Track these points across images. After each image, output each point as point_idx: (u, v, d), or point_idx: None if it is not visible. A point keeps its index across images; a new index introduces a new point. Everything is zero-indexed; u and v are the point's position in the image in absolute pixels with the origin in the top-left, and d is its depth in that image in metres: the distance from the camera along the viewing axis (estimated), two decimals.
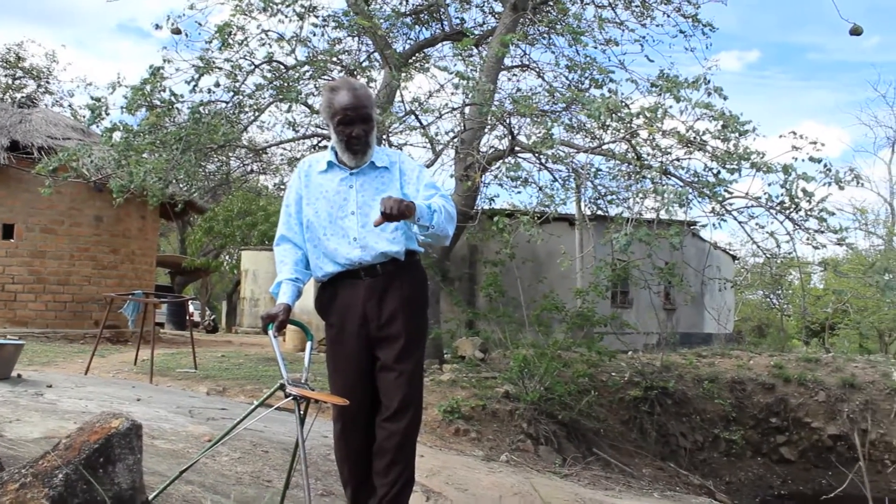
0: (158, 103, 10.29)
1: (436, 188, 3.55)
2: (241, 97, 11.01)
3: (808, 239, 8.74)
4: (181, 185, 13.46)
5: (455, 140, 10.64)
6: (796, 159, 8.11)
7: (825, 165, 8.15)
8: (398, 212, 3.10)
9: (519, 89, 12.02)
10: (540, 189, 10.44)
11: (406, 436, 3.45)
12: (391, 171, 3.58)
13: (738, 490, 11.60)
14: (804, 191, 8.15)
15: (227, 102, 10.98)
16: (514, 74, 12.65)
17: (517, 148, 10.00)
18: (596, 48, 11.56)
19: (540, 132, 9.74)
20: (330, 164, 3.60)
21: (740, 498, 11.13)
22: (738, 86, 72.71)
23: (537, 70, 12.26)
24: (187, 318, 16.70)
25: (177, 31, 10.79)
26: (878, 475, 12.12)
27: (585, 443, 9.56)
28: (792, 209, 8.46)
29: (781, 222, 8.75)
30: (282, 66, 11.22)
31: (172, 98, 10.38)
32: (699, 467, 11.54)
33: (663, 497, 7.97)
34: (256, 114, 11.73)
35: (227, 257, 31.64)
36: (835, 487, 10.87)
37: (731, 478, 11.96)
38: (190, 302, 15.90)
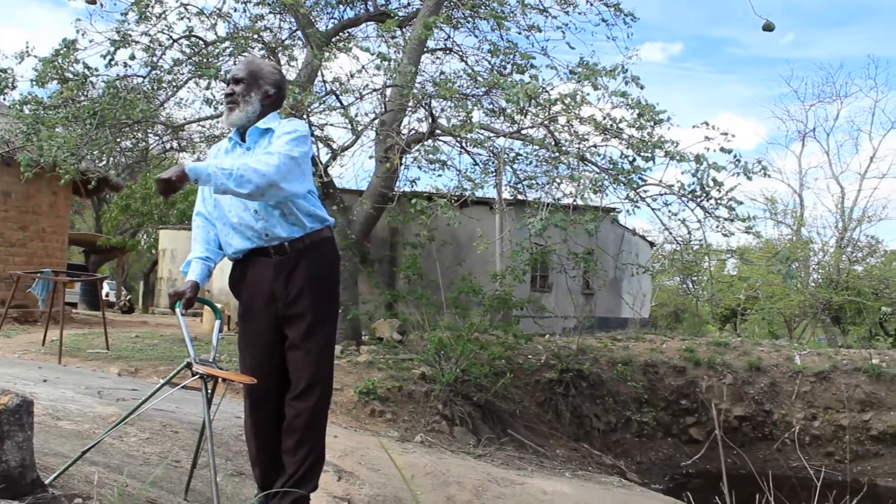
0: (72, 76, 10.00)
1: (288, 141, 3.39)
2: (158, 72, 10.77)
3: (717, 227, 9.06)
4: (95, 162, 13.10)
5: (375, 121, 10.61)
6: (708, 149, 8.39)
7: (735, 156, 8.44)
8: (166, 186, 3.08)
9: (442, 72, 12.04)
10: (459, 172, 10.50)
11: (314, 414, 3.47)
12: (275, 133, 3.51)
13: (648, 469, 11.94)
14: (714, 180, 8.43)
15: (143, 77, 10.73)
16: (438, 57, 12.65)
17: (437, 131, 10.04)
18: (519, 34, 11.68)
19: (460, 116, 9.79)
20: (233, 144, 3.61)
21: (650, 477, 11.45)
22: (661, 77, 74.12)
23: (460, 54, 12.30)
24: (103, 297, 16.28)
25: (92, 2, 10.49)
26: (778, 453, 12.65)
27: (500, 424, 9.71)
28: (703, 197, 8.74)
29: (692, 210, 9.04)
30: (201, 42, 11.01)
31: (86, 71, 10.10)
32: (612, 448, 11.83)
33: (574, 476, 8.16)
34: (174, 90, 11.49)
35: (144, 236, 30.88)
36: (739, 466, 11.29)
37: (642, 458, 12.30)
38: (105, 281, 15.50)
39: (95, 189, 14.98)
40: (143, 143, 13.97)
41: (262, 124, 3.53)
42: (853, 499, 2.80)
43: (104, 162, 13.46)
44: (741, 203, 8.79)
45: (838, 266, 25.49)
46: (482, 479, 6.07)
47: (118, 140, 11.43)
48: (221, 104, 3.44)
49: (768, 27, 10.51)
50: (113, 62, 10.15)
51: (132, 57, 10.33)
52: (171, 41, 10.72)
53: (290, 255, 3.48)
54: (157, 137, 14.26)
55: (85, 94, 10.53)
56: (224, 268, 3.66)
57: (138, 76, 10.68)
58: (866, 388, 12.80)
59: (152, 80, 10.78)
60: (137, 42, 10.33)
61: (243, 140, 3.57)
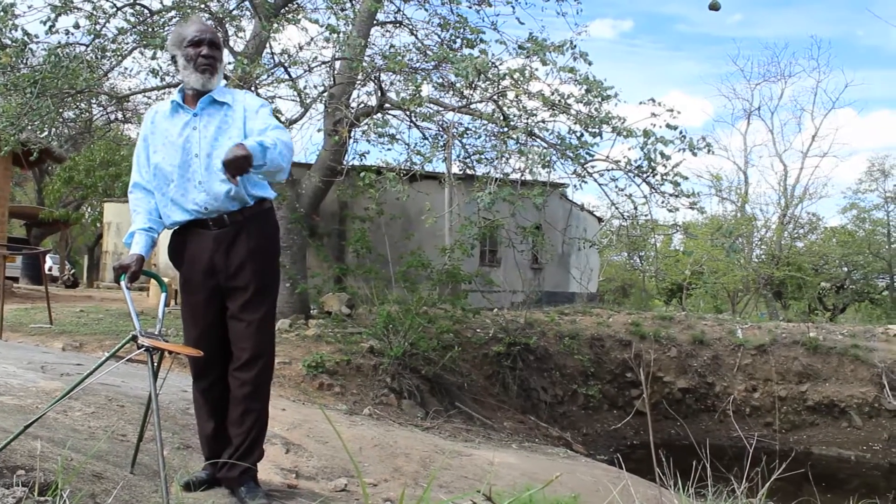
0: (10, 42, 9.72)
1: (274, 120, 3.52)
2: (102, 41, 10.51)
3: (663, 202, 9.22)
4: (37, 132, 12.78)
5: (324, 94, 10.53)
6: (654, 125, 8.51)
7: (681, 132, 8.59)
8: (239, 166, 3.06)
9: (392, 46, 11.95)
10: (409, 146, 10.50)
11: (257, 384, 3.50)
12: (234, 109, 3.51)
13: (594, 441, 12.17)
14: (661, 154, 8.56)
15: (86, 46, 10.47)
16: (388, 31, 12.54)
17: (387, 104, 10.01)
18: (469, 8, 11.61)
19: (410, 89, 9.77)
20: (174, 107, 3.53)
21: (596, 448, 11.67)
22: (611, 53, 74.47)
23: (410, 27, 12.21)
24: (45, 271, 15.96)
25: None
26: (720, 424, 13.00)
27: (449, 397, 9.80)
28: (649, 173, 8.88)
29: (639, 186, 9.18)
30: (146, 11, 10.77)
31: (26, 38, 9.82)
32: (558, 420, 12.03)
33: (521, 448, 8.29)
34: (119, 59, 11.24)
35: (88, 209, 30.27)
36: (682, 437, 11.59)
37: (588, 429, 12.53)
38: (48, 255, 15.20)
39: (37, 160, 14.64)
40: (87, 114, 13.66)
41: (217, 94, 3.50)
42: (781, 464, 2.93)
43: (46, 133, 13.14)
44: (686, 179, 8.97)
45: (780, 242, 26.12)
46: (429, 451, 6.14)
47: (60, 110, 11.16)
48: (186, 68, 3.25)
49: (714, 7, 10.56)
50: (54, 29, 9.88)
51: (76, 25, 10.07)
52: (114, 9, 10.47)
53: (230, 227, 3.47)
54: (100, 108, 13.95)
55: (25, 61, 10.25)
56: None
57: (81, 44, 10.42)
58: (804, 361, 13.20)
59: (96, 49, 10.52)
60: (79, 9, 10.06)
61: (189, 105, 3.52)
